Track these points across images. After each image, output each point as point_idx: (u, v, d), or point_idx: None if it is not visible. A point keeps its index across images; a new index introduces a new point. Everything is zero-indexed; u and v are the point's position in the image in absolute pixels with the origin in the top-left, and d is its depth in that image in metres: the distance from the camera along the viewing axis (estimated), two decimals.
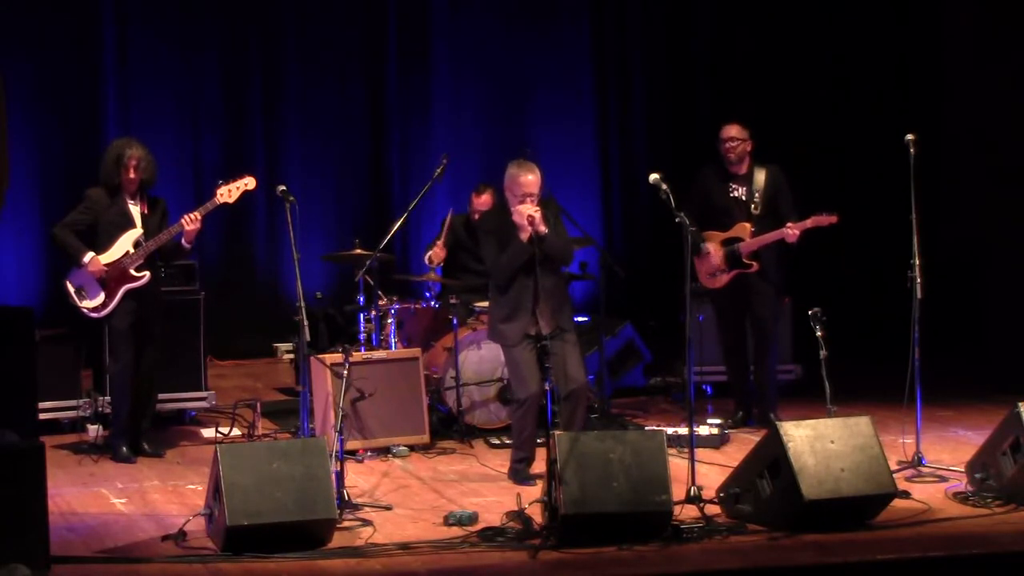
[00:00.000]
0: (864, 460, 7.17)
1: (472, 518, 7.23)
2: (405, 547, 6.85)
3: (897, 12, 13.00)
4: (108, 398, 9.12)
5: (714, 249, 9.30)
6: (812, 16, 12.98)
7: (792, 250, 9.35)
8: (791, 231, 9.16)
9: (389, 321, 9.65)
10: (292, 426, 9.28)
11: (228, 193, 8.63)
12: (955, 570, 6.71)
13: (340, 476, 7.45)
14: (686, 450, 7.62)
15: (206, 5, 12.45)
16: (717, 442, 8.94)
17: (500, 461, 8.50)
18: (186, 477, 8.32)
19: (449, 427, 9.43)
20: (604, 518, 6.84)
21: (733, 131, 9.35)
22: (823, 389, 7.78)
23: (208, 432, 9.45)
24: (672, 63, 13.26)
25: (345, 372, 7.93)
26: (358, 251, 9.66)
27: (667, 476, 6.94)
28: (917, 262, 8.31)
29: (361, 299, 9.66)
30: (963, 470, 7.90)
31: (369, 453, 8.85)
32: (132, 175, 8.61)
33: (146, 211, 8.73)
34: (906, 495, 7.54)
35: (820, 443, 7.13)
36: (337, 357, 8.57)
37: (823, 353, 7.86)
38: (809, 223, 9.18)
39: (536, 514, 7.04)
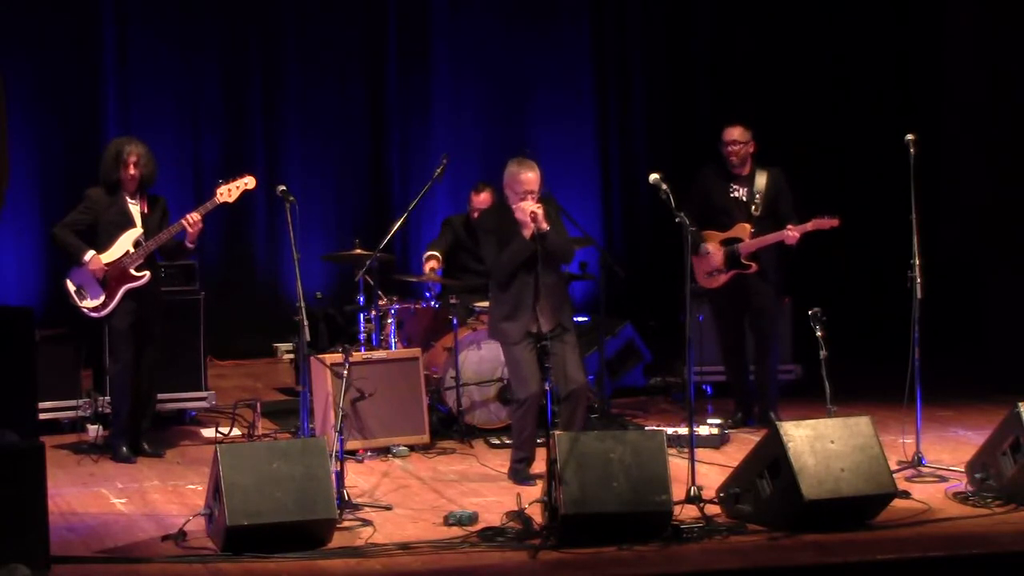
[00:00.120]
0: (864, 460, 7.17)
1: (472, 518, 7.23)
2: (405, 547, 6.85)
3: (897, 12, 13.00)
4: (108, 398, 9.12)
5: (713, 249, 9.30)
6: (812, 16, 12.98)
7: (791, 251, 9.35)
8: (791, 233, 9.15)
9: (389, 321, 9.65)
10: (292, 426, 9.28)
11: (228, 192, 8.63)
12: (955, 570, 6.71)
13: (340, 476, 7.45)
14: (686, 450, 7.62)
15: (206, 5, 12.45)
16: (717, 442, 8.94)
17: (500, 461, 8.50)
18: (186, 477, 8.32)
19: (449, 427, 9.43)
20: (604, 518, 6.84)
21: (736, 133, 9.34)
22: (823, 389, 7.78)
23: (208, 432, 9.45)
24: (672, 63, 13.26)
25: (345, 372, 7.93)
26: (358, 251, 9.66)
27: (667, 476, 6.95)
28: (917, 262, 8.30)
29: (361, 299, 9.66)
30: (963, 470, 7.90)
31: (369, 453, 8.86)
32: (132, 171, 8.61)
33: (146, 210, 8.73)
34: (906, 495, 7.54)
35: (820, 443, 7.13)
36: (337, 357, 8.57)
37: (823, 353, 7.86)
38: (810, 226, 9.17)
39: (536, 514, 7.04)
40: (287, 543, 6.75)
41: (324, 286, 11.81)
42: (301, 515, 6.81)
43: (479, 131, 12.87)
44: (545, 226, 7.89)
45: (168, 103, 12.35)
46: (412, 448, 8.96)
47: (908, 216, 8.37)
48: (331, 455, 7.21)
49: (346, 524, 7.16)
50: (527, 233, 7.90)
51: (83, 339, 9.47)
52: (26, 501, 6.45)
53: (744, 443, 8.66)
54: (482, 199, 10.08)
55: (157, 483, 8.23)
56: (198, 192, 11.81)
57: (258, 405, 9.50)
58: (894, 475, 7.43)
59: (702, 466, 7.88)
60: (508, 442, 8.53)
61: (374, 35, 12.83)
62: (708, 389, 10.40)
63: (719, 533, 6.97)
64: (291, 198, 7.76)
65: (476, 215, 9.90)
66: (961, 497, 7.62)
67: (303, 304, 7.63)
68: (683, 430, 8.31)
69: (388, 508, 7.58)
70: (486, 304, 8.76)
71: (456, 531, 7.11)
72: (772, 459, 7.14)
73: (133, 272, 8.62)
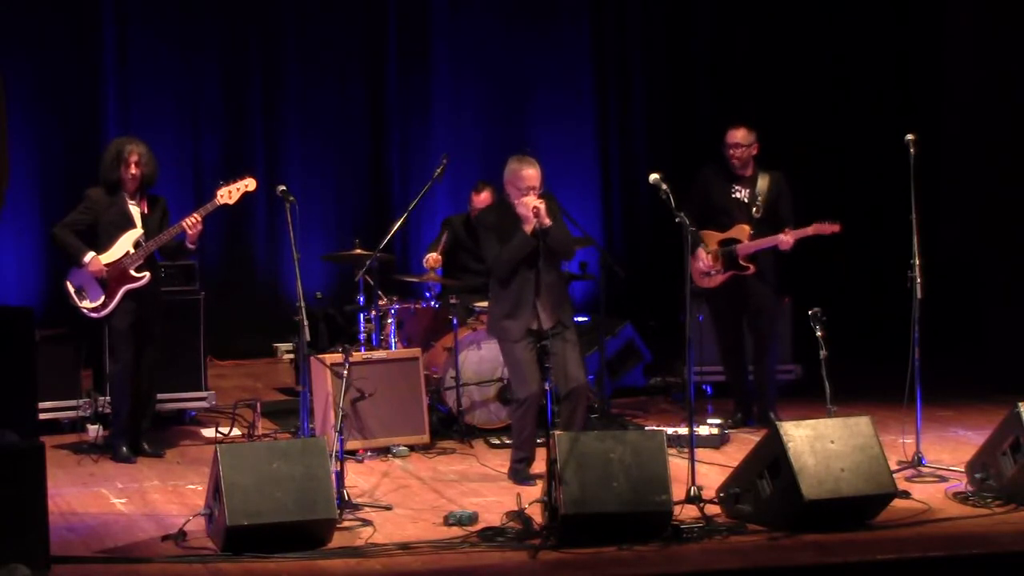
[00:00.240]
0: (864, 460, 7.17)
1: (472, 518, 7.23)
2: (405, 547, 6.85)
3: (897, 12, 13.00)
4: (108, 398, 9.11)
5: (703, 251, 9.27)
6: (812, 16, 12.98)
7: (787, 253, 9.34)
8: (785, 239, 9.15)
9: (389, 321, 9.65)
10: (292, 426, 9.28)
11: (228, 195, 8.63)
12: (955, 570, 6.71)
13: (340, 476, 7.45)
14: (686, 450, 7.62)
15: (206, 5, 12.45)
16: (717, 442, 8.94)
17: (500, 461, 8.50)
18: (186, 477, 8.32)
19: (449, 427, 9.43)
20: (604, 518, 6.84)
21: (739, 136, 9.31)
22: (823, 389, 7.77)
23: (208, 432, 9.45)
24: (672, 63, 13.26)
25: (345, 372, 7.93)
26: (358, 251, 9.66)
27: (667, 476, 6.95)
28: (917, 262, 8.30)
29: (361, 299, 9.66)
30: (963, 470, 7.90)
31: (369, 453, 8.86)
32: (133, 171, 8.60)
33: (146, 211, 8.73)
34: (906, 495, 7.54)
35: (820, 443, 7.13)
36: (337, 357, 8.57)
37: (823, 353, 7.86)
38: (811, 231, 9.17)
39: (536, 514, 7.04)
40: (287, 543, 6.74)
41: (324, 286, 11.81)
42: (301, 515, 6.81)
43: (479, 131, 12.87)
44: (547, 221, 7.89)
45: (168, 103, 12.35)
46: (412, 448, 8.96)
47: (908, 216, 8.37)
48: (331, 455, 7.21)
49: (346, 524, 7.16)
50: (529, 228, 7.90)
51: (83, 339, 9.48)
52: (26, 501, 6.45)
53: (744, 443, 8.66)
54: (482, 199, 10.08)
55: (157, 483, 8.23)
56: (198, 192, 11.82)
57: (258, 405, 9.50)
58: (894, 475, 7.42)
59: (702, 466, 7.88)
60: (508, 442, 8.53)
61: (374, 35, 12.83)
62: (708, 389, 10.39)
63: (719, 533, 6.97)
64: (291, 198, 7.76)
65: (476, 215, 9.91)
66: (961, 497, 7.62)
67: (303, 304, 7.63)
68: (683, 430, 8.31)
69: (388, 508, 7.58)
70: (486, 304, 8.76)
71: (456, 531, 7.11)
72: (772, 459, 7.14)
73: (133, 273, 8.62)
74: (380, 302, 9.67)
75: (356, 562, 6.67)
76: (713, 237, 9.34)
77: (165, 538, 6.97)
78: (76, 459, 8.79)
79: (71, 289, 8.67)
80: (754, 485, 7.20)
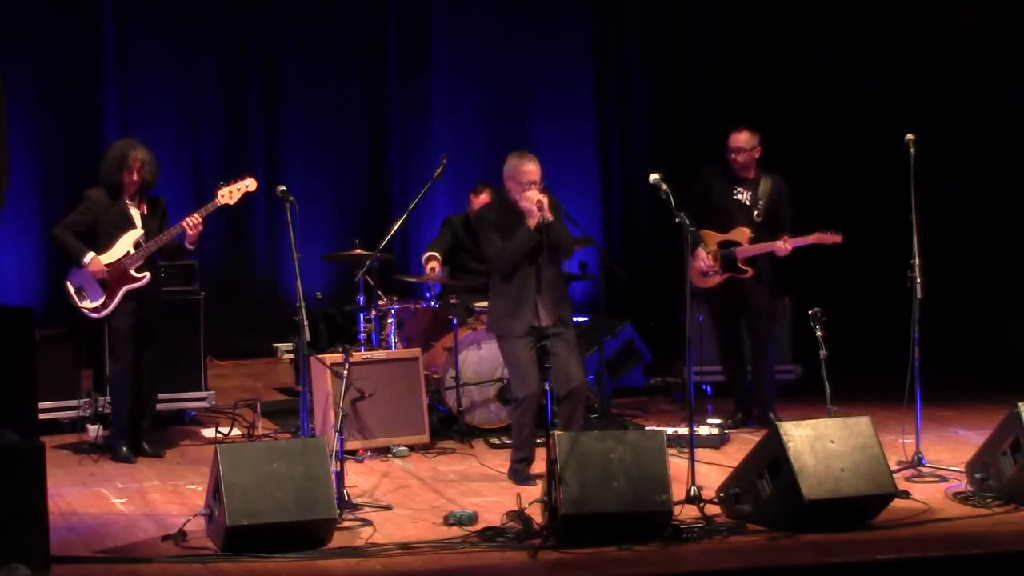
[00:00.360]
0: (864, 460, 7.17)
1: (472, 518, 7.23)
2: (405, 547, 6.85)
3: (897, 12, 13.00)
4: (108, 398, 9.11)
5: (702, 252, 9.27)
6: (812, 16, 12.98)
7: (786, 257, 9.33)
8: (783, 246, 9.15)
9: (389, 321, 9.65)
10: (292, 426, 9.28)
11: (229, 195, 8.63)
12: (955, 570, 6.71)
13: (340, 476, 7.45)
14: (686, 450, 7.62)
15: (206, 5, 12.45)
16: (717, 442, 8.94)
17: (500, 461, 8.50)
18: (186, 477, 8.32)
19: (449, 427, 9.43)
20: (604, 518, 6.84)
21: (742, 140, 9.28)
22: (823, 389, 7.77)
23: (208, 432, 9.44)
24: (672, 63, 13.25)
25: (345, 372, 7.93)
26: (358, 251, 9.66)
27: (667, 476, 6.95)
28: (917, 262, 8.30)
29: (361, 299, 9.66)
30: (963, 470, 7.90)
31: (369, 453, 8.86)
32: (135, 177, 8.61)
33: (146, 212, 8.73)
34: (906, 495, 7.54)
35: (820, 443, 7.13)
36: (337, 357, 8.57)
37: (823, 353, 7.86)
38: (812, 239, 9.18)
39: (536, 514, 7.04)
40: (287, 543, 6.75)
41: (324, 286, 11.81)
42: (301, 515, 6.81)
43: (479, 131, 12.87)
44: (550, 216, 7.90)
45: (168, 103, 12.35)
46: (412, 448, 8.96)
47: (908, 216, 8.37)
48: (331, 455, 7.21)
49: (346, 524, 7.16)
50: (532, 223, 7.90)
51: (83, 339, 9.48)
52: (26, 501, 6.45)
53: (744, 443, 8.66)
54: (482, 200, 10.07)
55: (157, 483, 8.23)
56: (198, 192, 11.82)
57: (258, 405, 9.50)
58: (894, 475, 7.43)
59: (702, 466, 7.88)
60: (508, 442, 8.52)
61: (374, 35, 12.83)
62: (708, 389, 10.39)
63: (719, 533, 6.97)
64: (291, 198, 7.76)
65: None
66: (961, 497, 7.62)
67: (303, 304, 7.63)
68: (683, 430, 8.31)
69: (388, 508, 7.58)
70: (486, 304, 8.75)
71: (456, 531, 7.11)
72: (772, 459, 7.14)
73: (133, 273, 8.62)
74: (380, 302, 9.67)
75: (356, 562, 6.67)
76: (712, 238, 9.34)
77: (165, 538, 6.97)
78: (76, 459, 8.79)
79: (71, 289, 8.67)
80: (754, 485, 7.20)
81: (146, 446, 8.85)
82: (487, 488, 8.04)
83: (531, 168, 7.97)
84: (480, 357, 9.45)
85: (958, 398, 10.17)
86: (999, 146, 12.18)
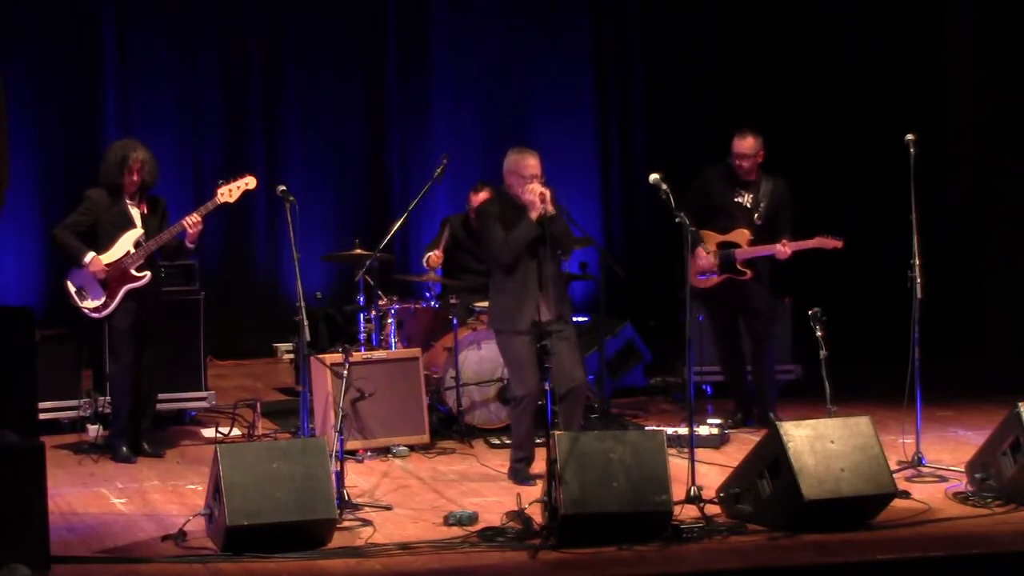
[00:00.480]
0: (864, 460, 7.17)
1: (472, 518, 7.23)
2: (405, 547, 6.85)
3: (897, 12, 12.99)
4: (108, 398, 9.11)
5: (704, 252, 9.26)
6: (812, 16, 12.97)
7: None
8: (783, 249, 9.15)
9: (389, 321, 9.65)
10: (292, 426, 9.28)
11: (229, 193, 8.63)
12: (955, 570, 6.71)
13: (340, 476, 7.45)
14: (686, 450, 7.62)
15: (206, 5, 12.45)
16: (717, 442, 8.94)
17: (500, 461, 8.50)
18: (186, 477, 8.32)
19: (449, 427, 9.43)
20: (604, 518, 6.84)
21: (746, 147, 9.23)
22: (823, 389, 7.77)
23: (208, 432, 9.44)
24: (672, 63, 13.25)
25: (345, 372, 7.93)
26: (358, 251, 9.66)
27: (667, 476, 6.95)
28: (917, 262, 8.30)
29: (361, 299, 9.66)
30: (963, 470, 7.90)
31: (369, 453, 8.85)
32: (135, 178, 8.62)
33: (146, 211, 8.73)
34: (906, 495, 7.54)
35: (820, 443, 7.13)
36: (337, 357, 8.57)
37: (823, 353, 7.85)
38: (812, 244, 9.18)
39: (536, 514, 7.04)
40: (287, 543, 6.75)
41: (324, 286, 11.81)
42: (301, 515, 6.81)
43: (479, 131, 12.87)
44: (552, 209, 7.90)
45: (168, 103, 12.35)
46: (412, 448, 8.96)
47: (908, 216, 8.37)
48: (331, 455, 7.21)
49: (346, 524, 7.16)
50: (534, 215, 7.90)
51: (83, 339, 9.47)
52: (26, 501, 6.45)
53: (744, 443, 8.66)
54: (480, 199, 10.05)
55: (157, 483, 8.23)
56: (198, 192, 11.82)
57: (258, 405, 9.50)
58: (894, 475, 7.43)
59: (702, 466, 7.88)
60: (508, 442, 8.52)
61: (374, 35, 12.83)
62: (708, 389, 10.39)
63: (719, 533, 6.97)
64: (291, 198, 7.76)
65: (475, 215, 9.90)
66: (961, 497, 7.62)
67: (303, 304, 7.63)
68: (683, 430, 8.31)
69: (388, 508, 7.58)
70: (486, 304, 8.75)
71: (456, 531, 7.11)
72: (772, 459, 7.14)
73: (134, 272, 8.62)
74: (380, 302, 9.67)
75: (356, 562, 6.67)
76: (712, 238, 9.33)
77: (165, 538, 6.97)
78: (76, 459, 8.79)
79: (72, 289, 8.67)
80: (754, 485, 7.20)
81: (146, 446, 8.85)
82: (487, 488, 8.04)
83: (533, 162, 8.00)
84: (480, 357, 9.45)
85: (958, 398, 10.17)
86: (999, 146, 12.18)
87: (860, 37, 13.02)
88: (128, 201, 8.68)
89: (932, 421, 9.22)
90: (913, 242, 8.31)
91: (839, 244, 9.19)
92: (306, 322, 7.59)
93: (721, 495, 7.37)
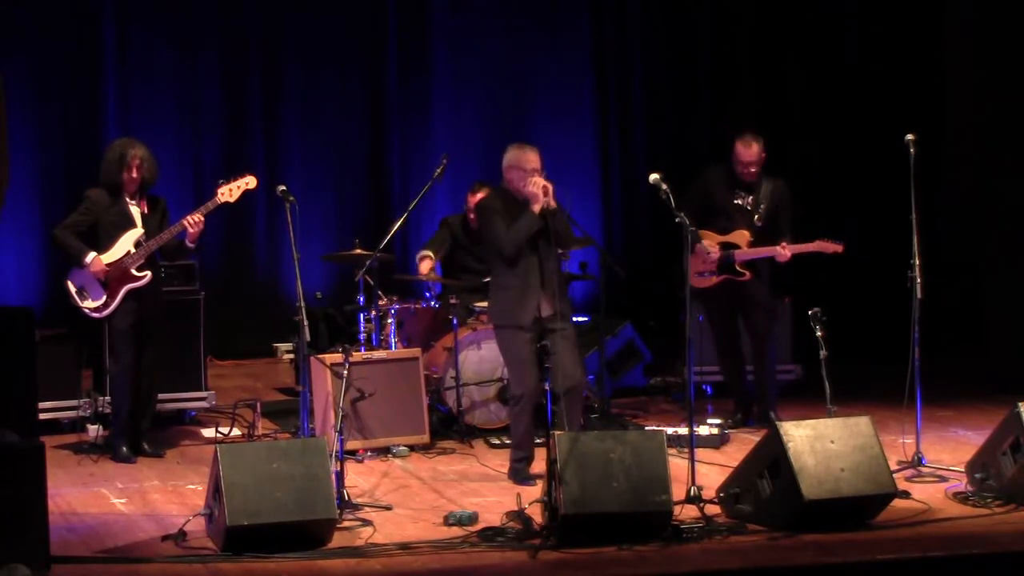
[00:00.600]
0: (864, 460, 7.17)
1: (472, 518, 7.23)
2: (405, 547, 6.85)
3: (897, 12, 12.99)
4: (108, 398, 9.12)
5: (711, 246, 9.25)
6: (812, 16, 12.97)
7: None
8: (783, 252, 9.15)
9: (389, 321, 9.65)
10: (292, 426, 9.28)
11: (229, 192, 8.63)
12: (955, 570, 6.71)
13: (340, 476, 7.45)
14: (686, 450, 7.62)
15: (206, 5, 12.45)
16: (717, 442, 8.94)
17: (500, 461, 8.50)
18: (186, 477, 8.32)
19: (449, 427, 9.43)
20: (604, 518, 6.84)
21: (752, 153, 9.20)
22: (823, 389, 7.77)
23: (208, 432, 9.44)
24: (672, 63, 13.25)
25: (345, 372, 7.93)
26: (358, 251, 9.66)
27: (667, 476, 6.95)
28: (917, 262, 8.30)
29: (361, 299, 9.66)
30: (963, 470, 7.90)
31: (369, 453, 8.85)
32: (135, 175, 8.62)
33: (146, 211, 8.73)
34: (906, 495, 7.54)
35: (820, 443, 7.13)
36: (337, 357, 8.57)
37: (823, 353, 7.85)
38: (813, 247, 9.19)
39: (536, 514, 7.04)
40: (287, 543, 6.75)
41: (324, 286, 11.81)
42: (301, 515, 6.81)
43: (479, 131, 12.87)
44: (553, 203, 7.90)
45: (168, 103, 12.34)
46: (412, 448, 8.96)
47: (908, 216, 8.37)
48: (331, 455, 7.21)
49: (346, 524, 7.16)
50: (536, 208, 7.90)
51: (83, 339, 9.47)
52: (26, 501, 6.45)
53: (744, 443, 8.66)
54: (478, 199, 10.06)
55: (157, 483, 8.23)
56: (198, 192, 11.82)
57: (258, 405, 9.50)
58: (894, 475, 7.43)
59: (702, 466, 7.88)
60: (508, 442, 8.52)
61: (374, 35, 12.83)
62: (708, 389, 10.39)
63: (719, 533, 6.97)
64: (291, 198, 7.76)
65: (473, 215, 9.89)
66: (961, 497, 7.62)
67: (303, 304, 7.63)
68: (683, 430, 8.31)
69: (388, 508, 7.58)
70: (486, 304, 8.75)
71: (456, 531, 7.11)
72: (772, 459, 7.14)
73: (134, 272, 8.63)
74: (380, 302, 9.67)
75: (356, 562, 6.67)
76: (712, 239, 9.33)
77: (165, 538, 6.97)
78: (76, 459, 8.79)
79: (72, 289, 8.67)
80: (754, 485, 7.20)
81: (146, 446, 8.85)
82: (487, 488, 8.04)
83: (534, 157, 8.03)
84: (480, 357, 9.45)
85: (958, 398, 10.17)
86: (999, 146, 12.18)
87: (860, 37, 13.02)
88: (128, 201, 8.68)
89: (932, 421, 9.22)
90: (913, 242, 8.31)
91: (839, 248, 9.19)
92: (306, 322, 7.60)
93: (721, 495, 7.37)
